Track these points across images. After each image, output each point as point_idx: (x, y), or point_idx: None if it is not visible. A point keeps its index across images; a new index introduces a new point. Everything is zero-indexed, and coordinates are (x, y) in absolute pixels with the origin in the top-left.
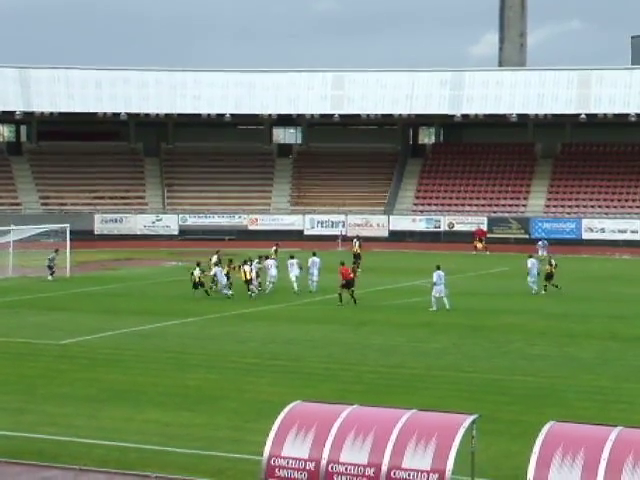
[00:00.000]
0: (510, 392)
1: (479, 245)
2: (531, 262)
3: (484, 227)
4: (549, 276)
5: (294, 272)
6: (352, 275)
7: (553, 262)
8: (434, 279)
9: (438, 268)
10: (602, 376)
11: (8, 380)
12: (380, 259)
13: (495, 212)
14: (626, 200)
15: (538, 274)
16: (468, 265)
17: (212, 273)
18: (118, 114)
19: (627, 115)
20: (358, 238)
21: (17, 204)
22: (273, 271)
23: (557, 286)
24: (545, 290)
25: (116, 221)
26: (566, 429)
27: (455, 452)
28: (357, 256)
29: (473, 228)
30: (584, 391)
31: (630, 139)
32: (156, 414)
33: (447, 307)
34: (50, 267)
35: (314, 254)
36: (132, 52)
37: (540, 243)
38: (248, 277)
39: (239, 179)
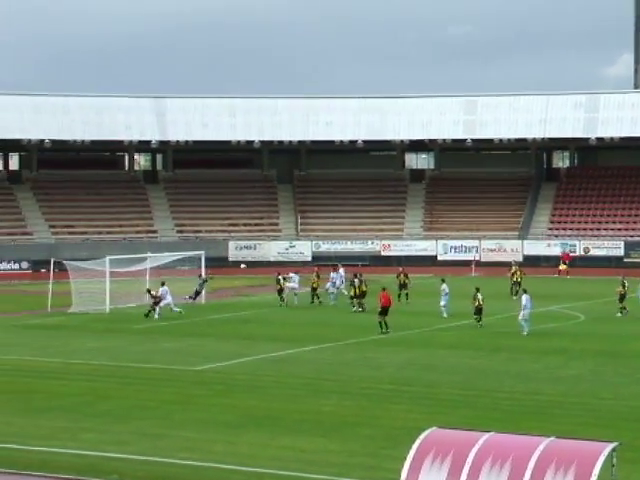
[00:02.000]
0: None
1: (562, 267)
2: None
3: (574, 251)
4: (622, 298)
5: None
6: (391, 303)
7: (626, 283)
8: (523, 302)
9: (525, 292)
10: None
11: (146, 405)
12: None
13: (632, 236)
14: None
15: None
16: (603, 290)
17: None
18: (252, 142)
19: None
20: (515, 263)
21: (153, 231)
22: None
23: (624, 308)
24: (621, 313)
25: (250, 248)
26: None
27: None
28: (518, 284)
29: (610, 252)
30: None
31: None
32: (291, 440)
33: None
34: (198, 292)
35: (443, 281)
36: (264, 80)
37: None
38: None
39: (371, 205)
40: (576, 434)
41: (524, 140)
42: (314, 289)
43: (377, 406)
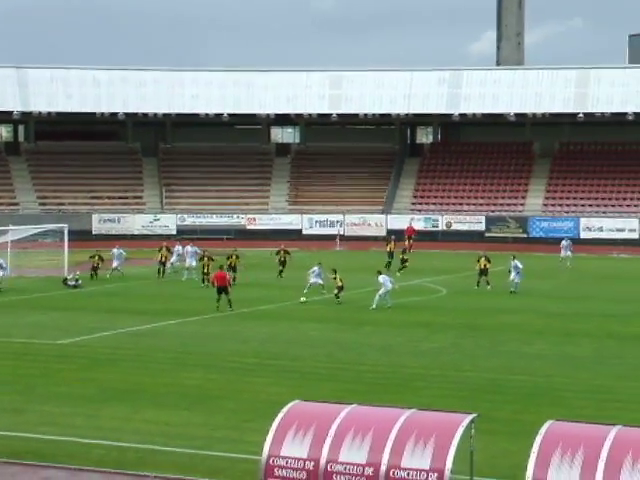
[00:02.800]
0: (508, 391)
1: (407, 243)
2: (514, 263)
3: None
4: (482, 272)
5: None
6: (228, 282)
7: (489, 258)
8: (381, 281)
9: (380, 273)
10: (600, 375)
11: (6, 380)
12: (377, 258)
13: (493, 211)
14: (624, 199)
15: (518, 274)
16: (466, 264)
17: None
18: (116, 114)
19: (625, 114)
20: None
21: (15, 204)
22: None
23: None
24: (477, 286)
25: (114, 221)
26: (565, 428)
27: (454, 451)
28: (391, 255)
29: (472, 227)
30: (582, 390)
31: (628, 138)
32: (155, 414)
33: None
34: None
35: (319, 264)
36: (130, 51)
37: (564, 242)
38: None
39: (237, 179)
40: (437, 406)
41: (388, 115)
42: (162, 263)
43: (241, 379)
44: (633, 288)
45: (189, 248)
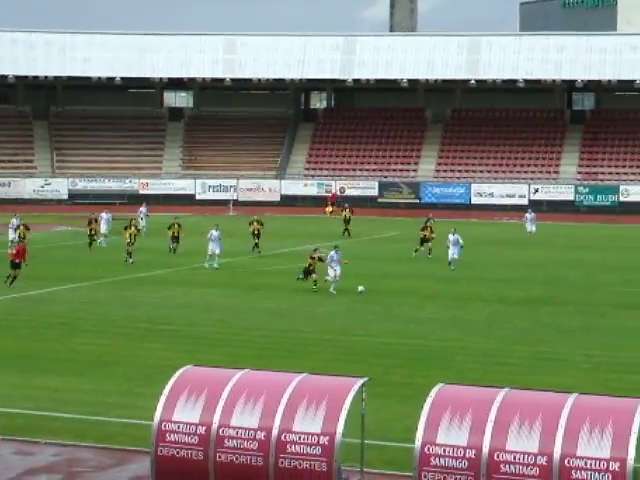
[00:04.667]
0: (400, 355)
1: (329, 209)
2: (454, 238)
3: (338, 192)
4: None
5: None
6: (18, 259)
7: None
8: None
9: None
10: (490, 339)
11: None
12: (272, 223)
13: (386, 177)
14: (514, 165)
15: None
16: (360, 230)
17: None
18: (5, 76)
19: (516, 81)
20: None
21: None
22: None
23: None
24: (415, 252)
25: (4, 185)
26: (454, 391)
27: (345, 415)
28: (348, 221)
29: (365, 193)
30: (472, 353)
31: (518, 104)
32: (45, 380)
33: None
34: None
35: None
36: (20, 13)
37: (528, 216)
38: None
39: (130, 143)
40: (329, 370)
41: (282, 80)
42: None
43: (133, 345)
44: (522, 253)
45: (103, 215)
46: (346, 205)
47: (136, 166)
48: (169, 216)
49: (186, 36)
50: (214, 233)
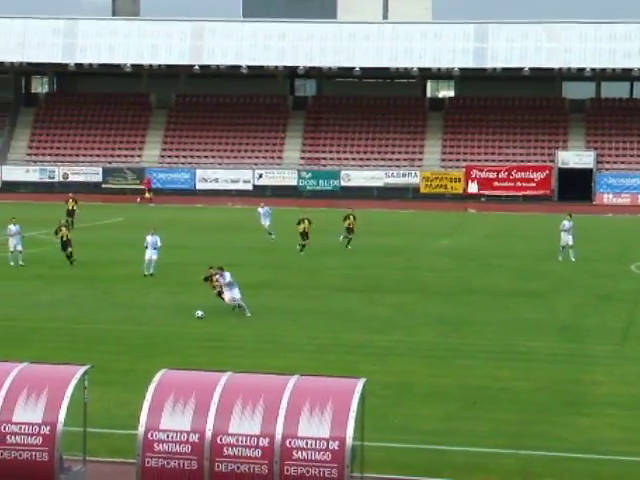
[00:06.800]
0: (122, 342)
1: (147, 195)
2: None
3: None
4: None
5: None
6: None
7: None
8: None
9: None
10: (213, 323)
11: None
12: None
13: (110, 162)
14: (239, 151)
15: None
16: (84, 216)
17: None
18: None
19: (239, 67)
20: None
21: None
22: None
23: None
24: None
25: None
26: (177, 376)
27: (67, 403)
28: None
29: (88, 178)
30: (196, 339)
31: (243, 90)
32: None
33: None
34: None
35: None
36: None
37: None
38: None
39: None
40: (52, 359)
41: (2, 64)
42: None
43: None
44: (248, 237)
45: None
46: (70, 195)
47: None
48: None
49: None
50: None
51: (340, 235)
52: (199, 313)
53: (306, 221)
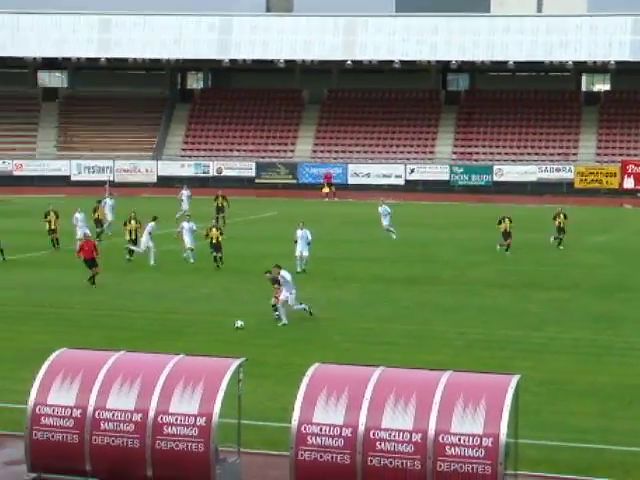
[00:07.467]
0: (276, 336)
1: (327, 190)
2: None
3: (331, 172)
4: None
5: None
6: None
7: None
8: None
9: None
10: (366, 318)
11: None
12: (148, 205)
13: (263, 157)
14: (391, 146)
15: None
16: (238, 210)
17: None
18: None
19: (391, 62)
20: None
21: None
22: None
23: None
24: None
25: None
26: (330, 370)
27: (222, 395)
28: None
29: (242, 173)
30: (348, 333)
31: (394, 85)
32: None
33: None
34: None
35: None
36: None
37: None
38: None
39: (3, 124)
40: (207, 352)
41: (158, 61)
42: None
43: (7, 328)
44: (399, 232)
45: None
46: (219, 192)
47: (10, 147)
48: (44, 198)
49: (60, 15)
50: (77, 216)
51: (550, 235)
52: (239, 323)
53: (507, 220)
